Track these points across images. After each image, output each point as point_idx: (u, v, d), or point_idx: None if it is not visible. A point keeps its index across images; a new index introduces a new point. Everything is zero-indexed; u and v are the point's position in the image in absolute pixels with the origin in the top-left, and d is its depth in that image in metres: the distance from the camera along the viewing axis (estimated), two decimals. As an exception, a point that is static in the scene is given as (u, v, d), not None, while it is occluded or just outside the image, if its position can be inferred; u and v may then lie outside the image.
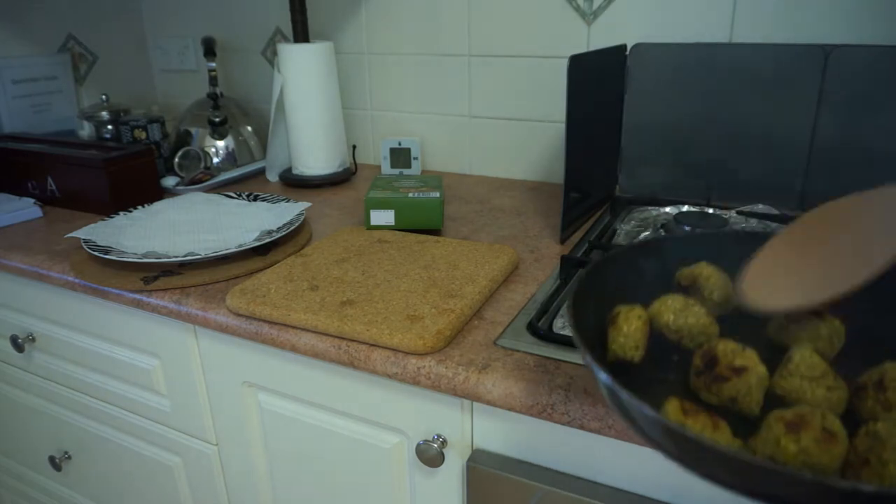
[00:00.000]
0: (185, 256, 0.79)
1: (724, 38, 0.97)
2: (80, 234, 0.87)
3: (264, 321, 0.69)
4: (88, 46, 1.43)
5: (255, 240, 0.84)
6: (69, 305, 0.91)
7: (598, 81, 0.92)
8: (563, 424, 0.55)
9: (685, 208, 0.94)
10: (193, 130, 1.28)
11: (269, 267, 0.81)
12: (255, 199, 1.02)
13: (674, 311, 0.49)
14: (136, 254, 0.81)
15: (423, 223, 0.90)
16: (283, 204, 0.98)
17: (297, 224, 0.90)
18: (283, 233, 0.86)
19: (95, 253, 0.81)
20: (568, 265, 0.76)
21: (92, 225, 0.91)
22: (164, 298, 0.76)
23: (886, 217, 0.42)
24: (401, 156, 1.24)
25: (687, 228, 0.83)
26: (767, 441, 0.38)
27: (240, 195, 1.04)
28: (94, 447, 1.02)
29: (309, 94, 1.16)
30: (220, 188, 1.18)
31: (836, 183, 0.93)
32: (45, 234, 0.97)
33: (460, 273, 0.74)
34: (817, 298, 0.43)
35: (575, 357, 0.59)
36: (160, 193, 1.11)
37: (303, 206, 0.96)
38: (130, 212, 0.97)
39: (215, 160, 1.27)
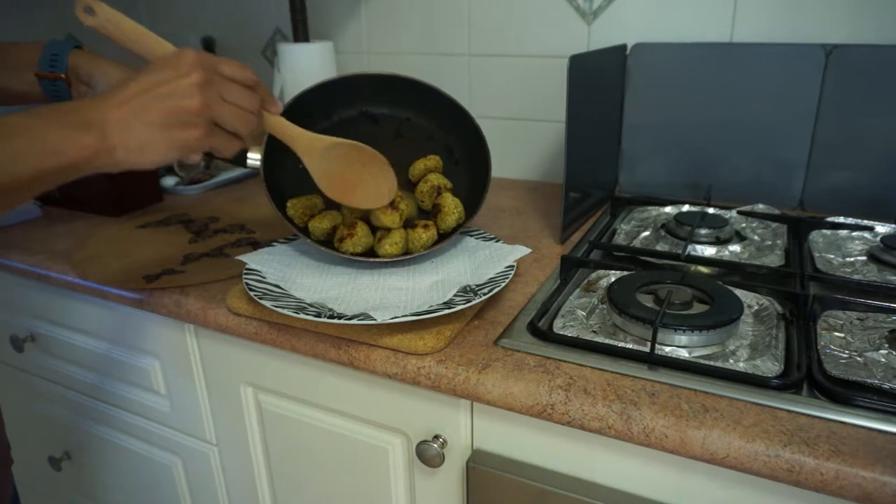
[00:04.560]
0: (357, 319, 0.61)
1: (724, 37, 0.97)
2: (253, 262, 0.73)
3: (264, 321, 0.69)
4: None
5: (448, 303, 0.64)
6: (69, 305, 0.91)
7: (598, 81, 0.92)
8: (563, 424, 0.55)
9: (685, 208, 0.94)
10: (193, 130, 1.28)
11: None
12: (465, 233, 0.83)
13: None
14: (302, 301, 0.66)
15: (423, 223, 0.89)
16: (493, 245, 0.79)
17: (503, 285, 0.68)
18: (485, 297, 0.65)
19: (252, 293, 0.67)
20: (568, 265, 0.76)
21: (269, 248, 0.78)
22: (164, 298, 0.76)
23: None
24: (401, 156, 1.24)
25: (687, 228, 0.83)
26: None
27: None
28: (94, 447, 1.01)
29: (309, 94, 1.16)
30: (219, 188, 1.18)
31: (837, 182, 0.93)
32: (44, 234, 0.97)
33: (462, 273, 0.72)
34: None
35: (575, 357, 0.59)
36: (160, 194, 1.11)
37: (519, 253, 0.74)
38: None
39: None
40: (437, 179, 0.80)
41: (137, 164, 0.52)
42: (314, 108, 0.78)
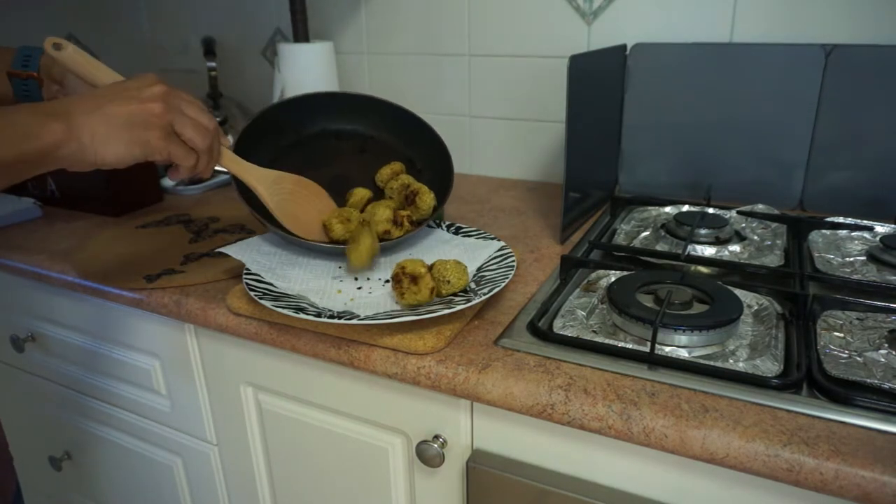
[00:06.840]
0: (357, 319, 0.61)
1: (724, 37, 0.97)
2: (236, 253, 0.74)
3: (264, 321, 0.69)
4: (88, 46, 1.43)
5: (448, 303, 0.65)
6: (69, 305, 0.91)
7: (598, 81, 0.92)
8: (563, 424, 0.55)
9: (685, 208, 0.94)
10: (193, 130, 1.28)
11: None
12: (458, 231, 0.85)
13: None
14: (288, 296, 0.67)
15: (423, 223, 0.89)
16: (465, 240, 0.81)
17: (503, 285, 0.68)
18: (485, 297, 0.65)
19: (253, 293, 0.67)
20: (568, 265, 0.76)
21: (249, 240, 0.78)
22: (164, 298, 0.76)
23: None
24: (401, 156, 1.24)
25: (687, 228, 0.83)
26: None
27: (436, 223, 0.87)
28: (94, 447, 1.02)
29: (309, 94, 1.16)
30: (219, 188, 1.18)
31: (836, 182, 0.93)
32: (45, 234, 0.97)
33: (461, 273, 0.73)
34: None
35: (575, 357, 0.59)
36: (160, 194, 1.11)
37: (493, 247, 0.77)
38: None
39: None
40: (406, 179, 0.85)
41: (101, 156, 0.55)
42: (282, 124, 0.82)
